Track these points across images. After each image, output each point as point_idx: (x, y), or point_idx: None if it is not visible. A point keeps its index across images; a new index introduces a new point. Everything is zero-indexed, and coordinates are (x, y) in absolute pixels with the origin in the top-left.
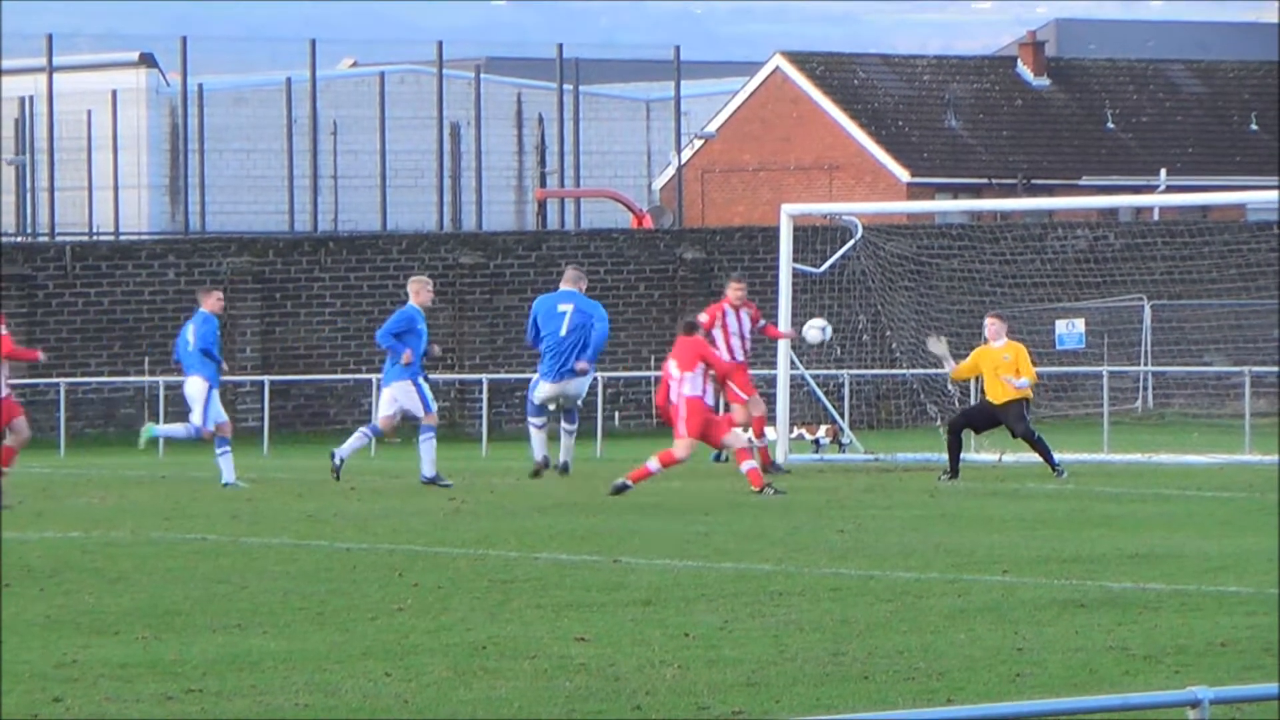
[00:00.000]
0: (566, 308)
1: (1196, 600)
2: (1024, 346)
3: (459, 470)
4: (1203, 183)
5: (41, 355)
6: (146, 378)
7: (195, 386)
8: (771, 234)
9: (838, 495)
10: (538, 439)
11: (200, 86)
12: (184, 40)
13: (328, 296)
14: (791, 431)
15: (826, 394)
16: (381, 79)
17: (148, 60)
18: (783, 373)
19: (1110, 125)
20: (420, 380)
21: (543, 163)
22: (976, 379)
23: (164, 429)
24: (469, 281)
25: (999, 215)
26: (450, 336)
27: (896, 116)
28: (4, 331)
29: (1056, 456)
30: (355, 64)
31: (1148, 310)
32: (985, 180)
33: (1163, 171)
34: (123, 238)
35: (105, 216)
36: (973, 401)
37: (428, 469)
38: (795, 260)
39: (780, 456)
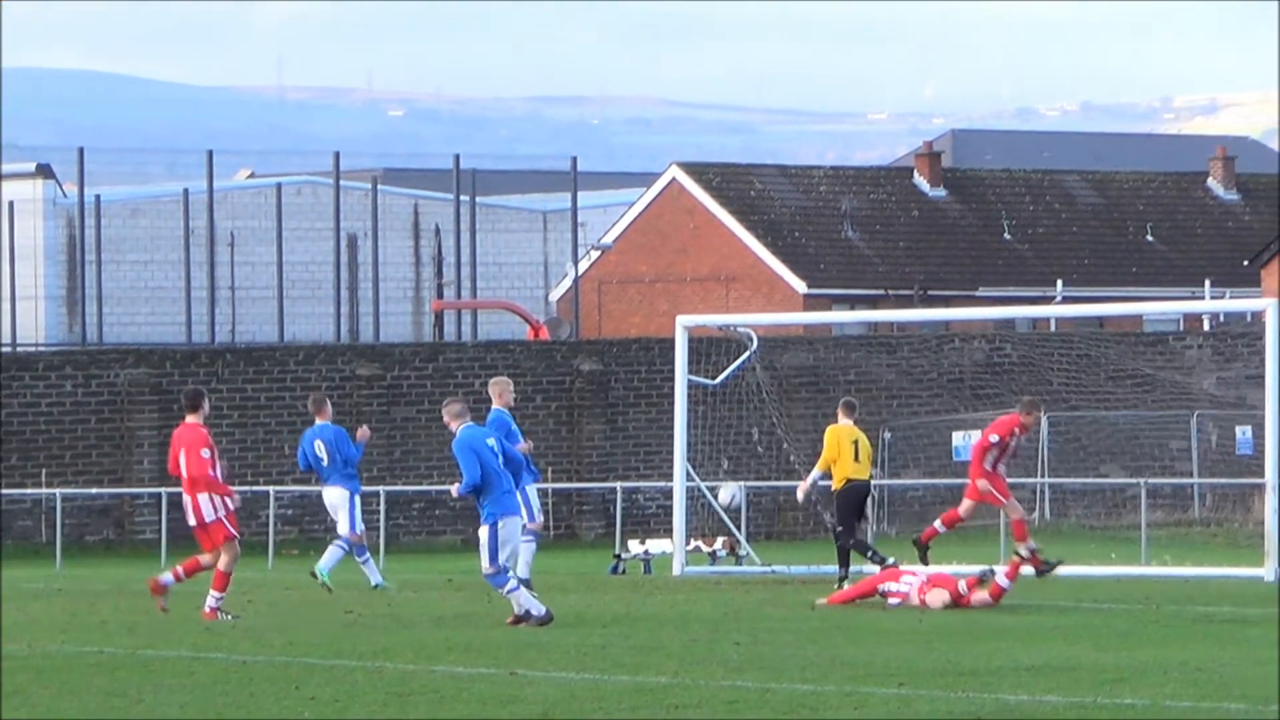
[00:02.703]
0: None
1: (1093, 713)
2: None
3: (354, 582)
4: (1099, 293)
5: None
6: (44, 489)
7: (338, 495)
8: (668, 345)
9: (734, 607)
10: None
11: (98, 197)
12: (81, 151)
13: (225, 408)
14: (688, 543)
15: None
16: (279, 190)
17: (45, 171)
18: (679, 485)
19: (1007, 236)
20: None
21: (439, 274)
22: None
23: (327, 563)
24: (366, 393)
25: (896, 326)
26: None
27: (793, 227)
28: (205, 455)
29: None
30: (252, 175)
31: (1045, 421)
32: (882, 291)
33: (1059, 282)
34: (19, 349)
35: (2, 328)
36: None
37: (524, 570)
38: (691, 372)
39: (677, 569)
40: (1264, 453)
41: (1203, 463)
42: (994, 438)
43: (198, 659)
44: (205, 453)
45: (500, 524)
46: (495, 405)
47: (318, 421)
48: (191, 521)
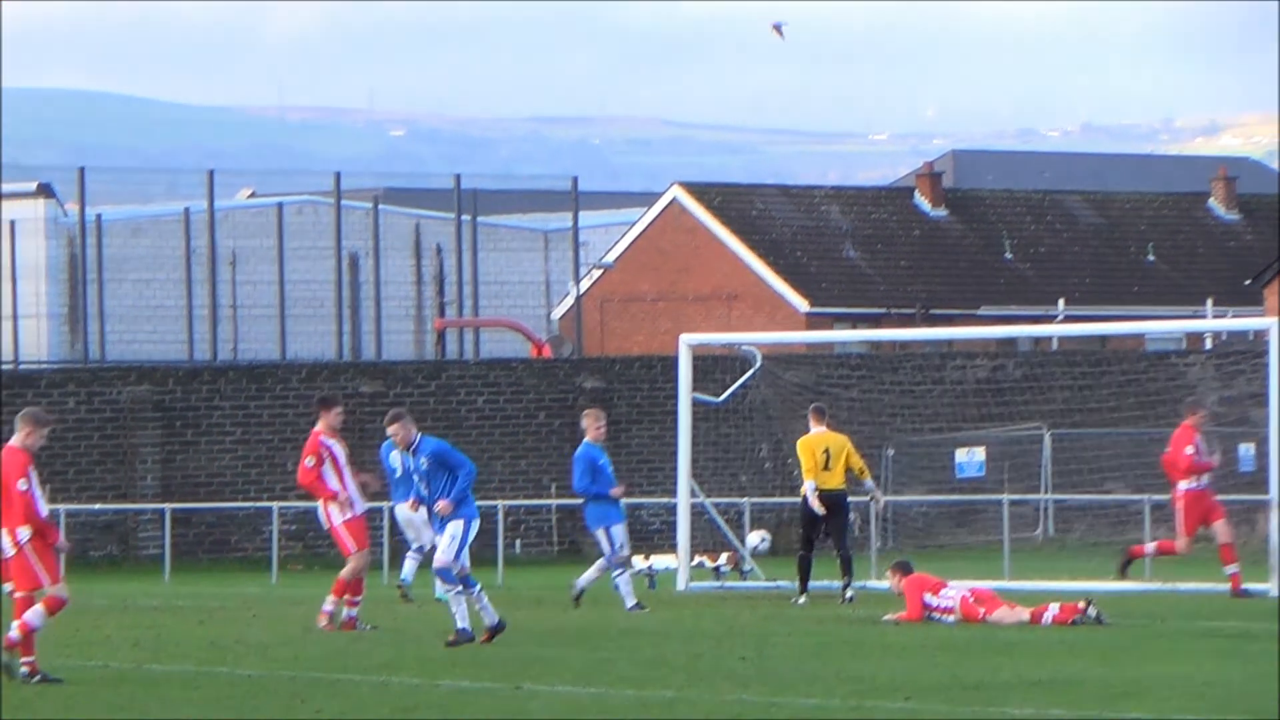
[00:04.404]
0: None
1: None
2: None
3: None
4: (1101, 313)
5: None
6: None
7: (456, 526)
8: (671, 363)
9: (739, 622)
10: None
11: (99, 217)
12: (82, 171)
13: (228, 425)
14: (693, 559)
15: (727, 521)
16: (280, 210)
17: (46, 191)
18: (683, 500)
19: (1008, 255)
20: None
21: (441, 293)
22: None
23: (409, 572)
24: (369, 410)
25: (898, 345)
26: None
27: (795, 247)
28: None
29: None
30: (253, 195)
31: (1048, 439)
32: (884, 310)
33: (1061, 301)
34: (22, 367)
35: (4, 345)
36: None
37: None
38: (695, 389)
39: (681, 584)
40: (1267, 469)
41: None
42: (1188, 449)
43: (202, 673)
44: (309, 461)
45: (474, 524)
46: (587, 439)
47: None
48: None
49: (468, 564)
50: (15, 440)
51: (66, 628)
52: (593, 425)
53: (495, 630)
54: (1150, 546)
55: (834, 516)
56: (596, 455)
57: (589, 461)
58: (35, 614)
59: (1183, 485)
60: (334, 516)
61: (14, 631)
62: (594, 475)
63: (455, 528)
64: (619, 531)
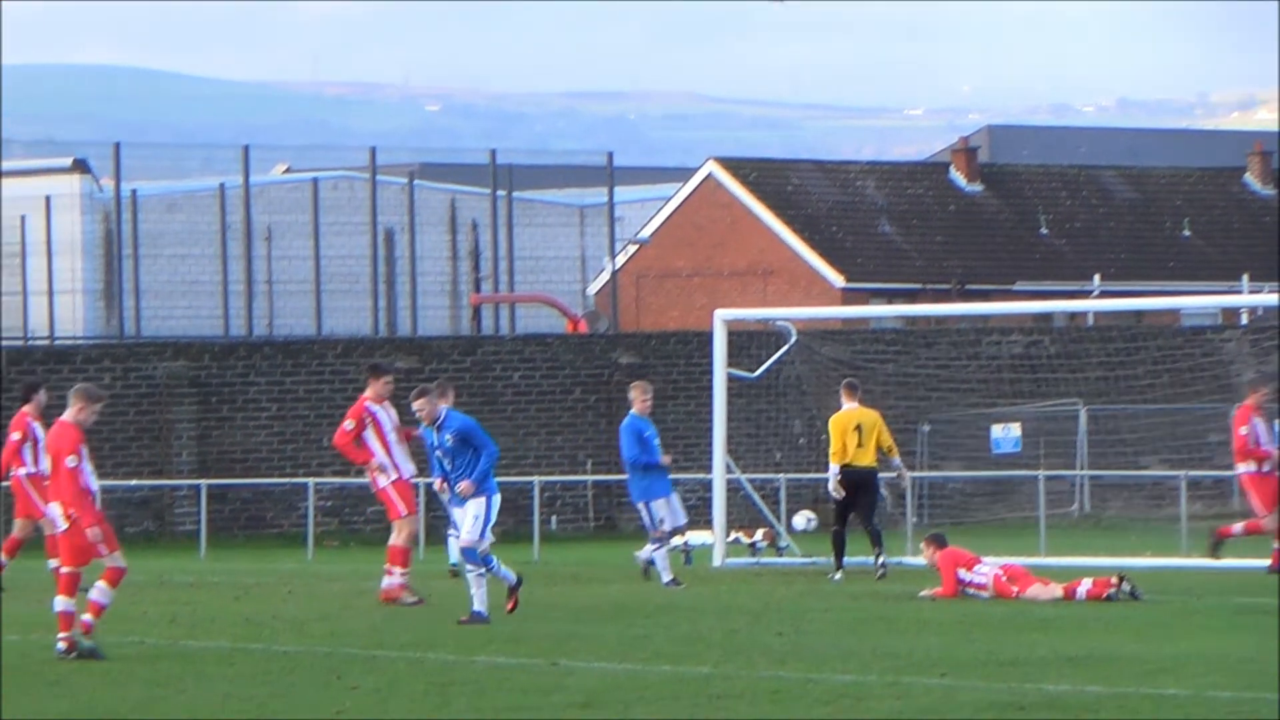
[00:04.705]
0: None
1: (1135, 703)
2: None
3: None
4: (1136, 288)
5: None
6: None
7: (479, 505)
8: (706, 339)
9: (775, 598)
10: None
11: (134, 192)
12: (117, 147)
13: (264, 400)
14: (729, 535)
15: (763, 497)
16: (315, 185)
17: (82, 166)
18: (719, 477)
19: (1044, 231)
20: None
21: (477, 268)
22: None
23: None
24: (405, 385)
25: (934, 320)
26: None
27: (830, 222)
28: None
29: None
30: (289, 170)
31: (1083, 415)
32: (919, 285)
33: (1096, 277)
34: (58, 342)
35: (40, 321)
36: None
37: (666, 576)
38: (730, 365)
39: (717, 560)
40: None
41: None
42: (1242, 430)
43: (238, 649)
44: (348, 424)
45: (496, 500)
46: (634, 411)
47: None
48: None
49: (490, 541)
50: (68, 415)
51: None
52: (640, 397)
53: (515, 588)
54: (1238, 526)
55: (864, 494)
56: (643, 427)
57: (636, 432)
58: (101, 592)
59: (1240, 468)
60: (379, 480)
61: (86, 615)
62: (641, 446)
63: (478, 507)
64: (659, 506)
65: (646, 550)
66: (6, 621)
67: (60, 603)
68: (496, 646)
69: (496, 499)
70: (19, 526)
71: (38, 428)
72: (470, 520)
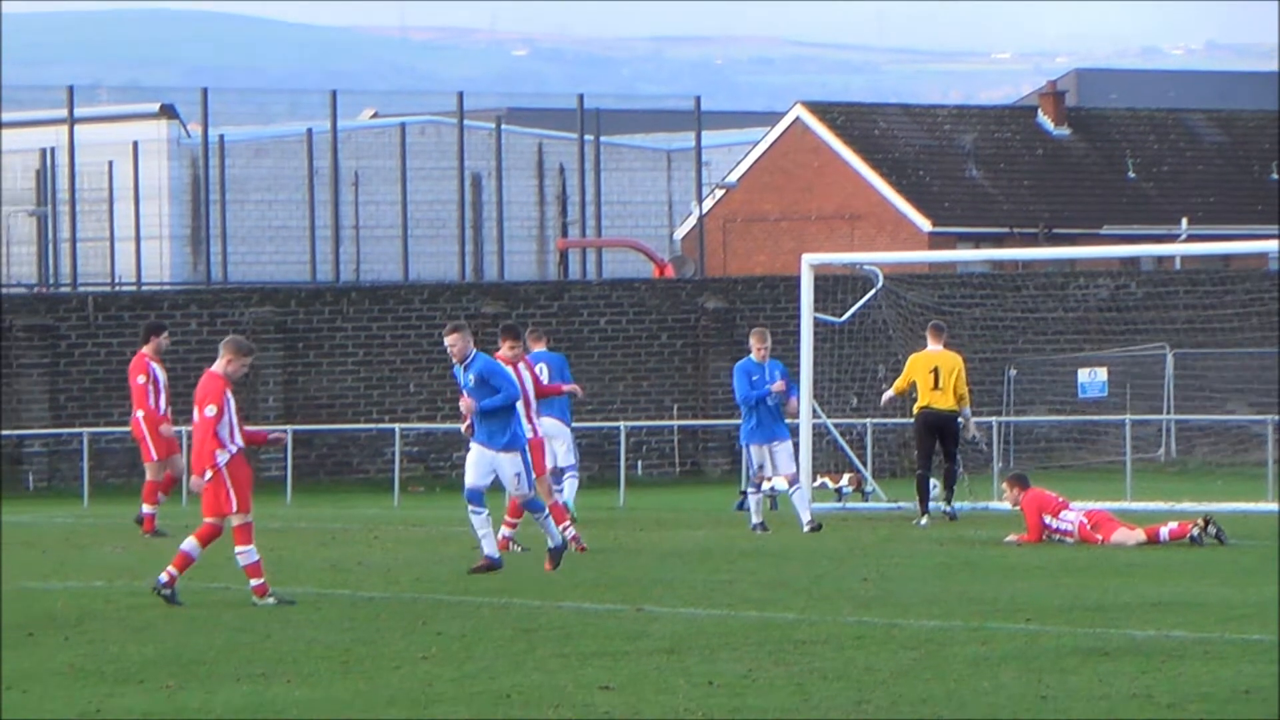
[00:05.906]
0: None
1: (1220, 648)
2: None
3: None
4: (1224, 232)
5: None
6: (170, 428)
7: (555, 427)
8: (793, 283)
9: (861, 543)
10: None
11: (221, 138)
12: (205, 92)
13: (350, 346)
14: (815, 480)
15: (849, 443)
16: (403, 130)
17: (169, 112)
18: (805, 422)
19: (1131, 174)
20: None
21: (564, 213)
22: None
23: (569, 494)
24: (492, 331)
25: (1020, 264)
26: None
27: (917, 166)
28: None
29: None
30: (376, 115)
31: (1170, 359)
32: (1006, 229)
33: (1184, 220)
34: (145, 288)
35: (127, 267)
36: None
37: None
38: (817, 309)
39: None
40: None
41: None
42: None
43: (324, 595)
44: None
45: (527, 450)
46: (752, 356)
47: (534, 349)
48: None
49: (529, 489)
50: (216, 366)
51: None
52: (758, 344)
53: (557, 551)
54: None
55: (945, 438)
56: (753, 369)
57: (746, 373)
58: (190, 545)
59: None
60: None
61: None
62: (751, 385)
63: (515, 464)
64: (755, 452)
65: (766, 487)
66: (90, 567)
67: (187, 544)
68: (582, 592)
69: (527, 448)
70: (150, 470)
71: (157, 368)
72: (513, 479)
